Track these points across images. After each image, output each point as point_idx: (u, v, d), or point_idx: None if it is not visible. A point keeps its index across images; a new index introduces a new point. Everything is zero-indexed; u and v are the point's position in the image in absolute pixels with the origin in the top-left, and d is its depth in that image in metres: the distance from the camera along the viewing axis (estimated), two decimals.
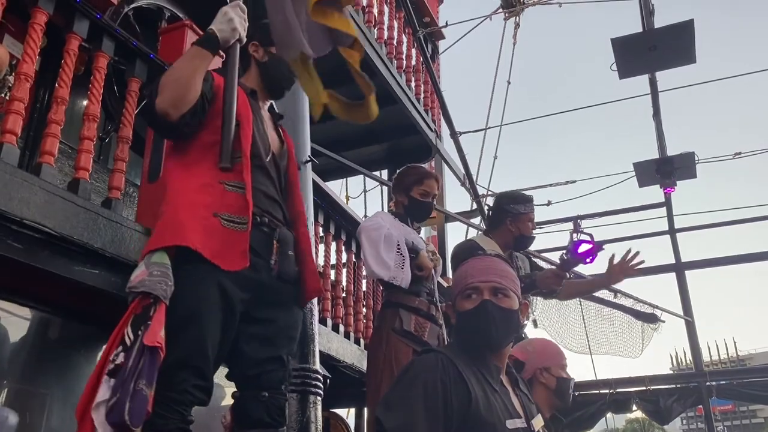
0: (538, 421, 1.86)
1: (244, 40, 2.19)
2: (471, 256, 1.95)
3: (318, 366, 2.77)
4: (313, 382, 2.66)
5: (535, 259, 4.04)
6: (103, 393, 1.67)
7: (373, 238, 2.87)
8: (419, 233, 3.24)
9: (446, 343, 2.91)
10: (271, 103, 2.45)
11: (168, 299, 1.79)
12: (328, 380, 3.02)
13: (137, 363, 1.68)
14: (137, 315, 1.77)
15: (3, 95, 3.21)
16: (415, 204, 3.08)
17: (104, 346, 2.67)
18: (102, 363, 1.74)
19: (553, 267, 3.43)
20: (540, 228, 8.72)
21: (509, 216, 3.31)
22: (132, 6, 3.47)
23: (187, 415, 1.81)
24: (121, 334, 1.75)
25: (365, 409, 4.64)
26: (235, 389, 2.10)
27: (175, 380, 1.77)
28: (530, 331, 5.60)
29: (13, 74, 2.49)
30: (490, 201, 8.59)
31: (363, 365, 3.96)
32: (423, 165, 3.23)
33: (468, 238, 3.53)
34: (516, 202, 3.35)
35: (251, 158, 2.07)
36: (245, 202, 1.96)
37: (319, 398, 2.69)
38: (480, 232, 3.61)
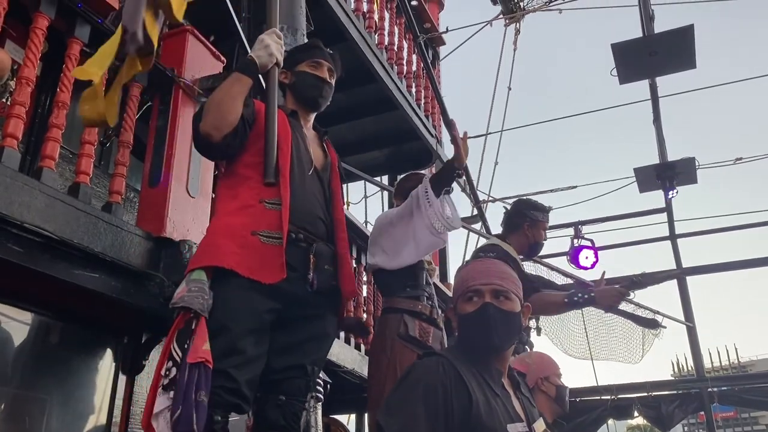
0: (539, 426, 1.85)
1: (281, 63, 2.30)
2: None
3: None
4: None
5: (537, 264, 4.06)
6: (159, 404, 1.82)
7: (400, 212, 2.84)
8: None
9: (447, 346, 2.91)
10: (315, 121, 2.52)
11: (207, 312, 1.93)
12: (328, 385, 3.02)
13: (193, 376, 1.81)
14: (180, 330, 1.91)
15: (4, 100, 3.21)
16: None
17: (108, 350, 2.68)
18: (156, 379, 1.90)
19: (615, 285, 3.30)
20: None
21: (528, 221, 3.32)
22: None
23: (215, 416, 1.88)
24: (169, 350, 1.89)
25: (366, 414, 4.63)
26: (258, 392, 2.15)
27: None
28: (533, 339, 5.58)
29: (15, 79, 2.50)
30: (491, 207, 8.62)
31: (363, 371, 3.96)
32: (424, 170, 3.24)
33: (490, 241, 3.49)
34: (536, 209, 3.37)
35: (292, 175, 2.17)
36: (281, 218, 2.07)
37: (319, 403, 2.69)
38: (493, 236, 3.60)
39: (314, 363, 2.17)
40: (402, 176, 3.24)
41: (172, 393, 1.80)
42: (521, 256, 3.35)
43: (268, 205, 2.10)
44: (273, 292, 2.02)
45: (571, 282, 7.57)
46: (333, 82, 2.46)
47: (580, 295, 2.98)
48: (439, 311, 2.94)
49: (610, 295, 2.99)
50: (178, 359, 1.84)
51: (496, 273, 1.81)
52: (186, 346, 1.86)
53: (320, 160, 2.37)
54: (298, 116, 2.38)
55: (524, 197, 3.60)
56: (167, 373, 1.85)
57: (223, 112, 2.09)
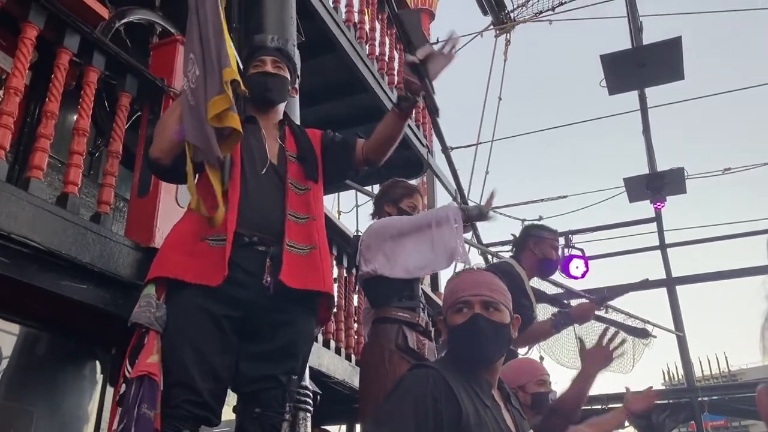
0: None
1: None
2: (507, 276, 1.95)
3: (308, 382, 2.75)
4: (303, 399, 2.64)
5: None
6: (116, 422, 1.86)
7: (414, 223, 2.80)
8: None
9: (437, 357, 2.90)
10: (278, 114, 2.42)
11: (156, 325, 1.95)
12: (318, 396, 3.00)
13: (138, 390, 1.84)
14: (133, 347, 1.95)
15: None
16: (404, 215, 3.08)
17: (95, 361, 2.67)
18: (114, 396, 1.95)
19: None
20: None
21: (533, 239, 3.48)
22: (123, 21, 3.47)
23: (183, 429, 1.89)
24: (123, 368, 1.93)
25: (357, 426, 4.60)
26: (236, 405, 2.15)
27: (169, 398, 1.90)
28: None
29: (3, 88, 2.49)
30: None
31: (354, 381, 3.94)
32: (414, 181, 3.25)
33: (504, 260, 3.67)
34: (540, 229, 3.58)
35: (243, 177, 2.13)
36: (227, 220, 2.05)
37: (308, 414, 2.67)
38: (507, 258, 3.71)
39: (289, 372, 2.11)
40: (387, 182, 3.20)
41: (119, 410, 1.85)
42: (534, 275, 3.56)
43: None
44: (227, 298, 2.00)
45: (562, 291, 7.60)
46: (283, 72, 2.36)
47: (562, 321, 3.36)
48: (429, 319, 2.94)
49: (584, 311, 3.45)
50: (128, 375, 1.89)
51: (485, 284, 1.81)
52: (136, 361, 1.89)
53: (275, 153, 2.28)
54: (255, 120, 2.31)
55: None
56: (121, 390, 1.89)
57: (167, 136, 2.12)
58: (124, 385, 1.88)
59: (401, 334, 2.74)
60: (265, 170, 2.20)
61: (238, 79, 2.02)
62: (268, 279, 2.06)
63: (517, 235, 3.68)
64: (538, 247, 3.45)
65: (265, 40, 2.44)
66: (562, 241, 8.29)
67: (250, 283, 2.04)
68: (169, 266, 2.01)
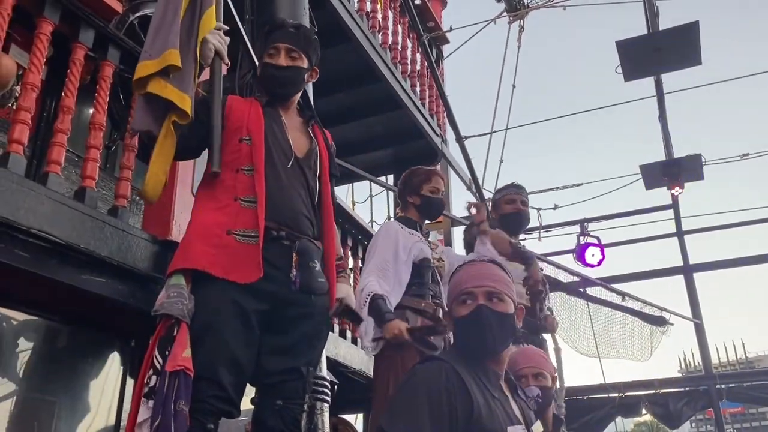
0: (537, 428, 1.85)
1: (223, 52, 2.27)
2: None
3: (325, 372, 2.77)
4: (321, 389, 2.65)
5: (542, 263, 4.08)
6: (142, 414, 1.80)
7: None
8: (428, 237, 3.24)
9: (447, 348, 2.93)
10: (305, 104, 2.43)
11: (188, 318, 1.90)
12: (335, 386, 3.02)
13: (173, 385, 1.80)
14: (162, 337, 1.89)
15: (10, 105, 3.22)
16: (427, 201, 3.10)
17: (115, 353, 2.67)
18: (139, 386, 1.88)
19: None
20: (547, 231, 8.70)
21: (493, 209, 3.61)
22: (137, 15, 3.48)
23: (207, 424, 1.88)
24: (151, 358, 1.88)
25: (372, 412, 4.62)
26: (255, 396, 2.14)
27: (195, 392, 1.87)
28: None
29: (20, 84, 2.51)
30: None
31: (370, 370, 3.95)
32: (437, 170, 3.24)
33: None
34: (496, 193, 3.72)
35: (267, 169, 2.10)
36: (257, 216, 2.02)
37: (326, 405, 2.69)
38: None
39: (308, 363, 2.13)
40: (405, 174, 3.20)
41: (151, 402, 1.79)
42: (510, 236, 3.51)
43: (243, 203, 2.05)
44: (256, 293, 1.98)
45: (578, 279, 7.57)
46: (300, 62, 2.29)
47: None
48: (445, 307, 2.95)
49: (553, 321, 3.47)
50: (158, 367, 1.83)
51: (488, 275, 1.81)
52: (167, 353, 1.84)
53: (303, 148, 2.26)
54: (275, 105, 2.29)
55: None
56: (148, 381, 1.84)
57: None
58: (154, 377, 1.83)
59: (405, 320, 2.77)
60: (290, 164, 2.19)
61: (178, 65, 2.06)
62: (295, 273, 2.07)
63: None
64: (495, 212, 3.58)
65: (280, 21, 2.41)
66: (577, 229, 8.24)
67: (277, 277, 2.04)
68: (196, 257, 1.97)
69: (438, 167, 7.29)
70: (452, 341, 1.88)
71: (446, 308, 2.94)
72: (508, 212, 3.54)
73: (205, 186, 2.15)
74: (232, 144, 2.13)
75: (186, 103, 2.07)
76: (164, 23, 2.09)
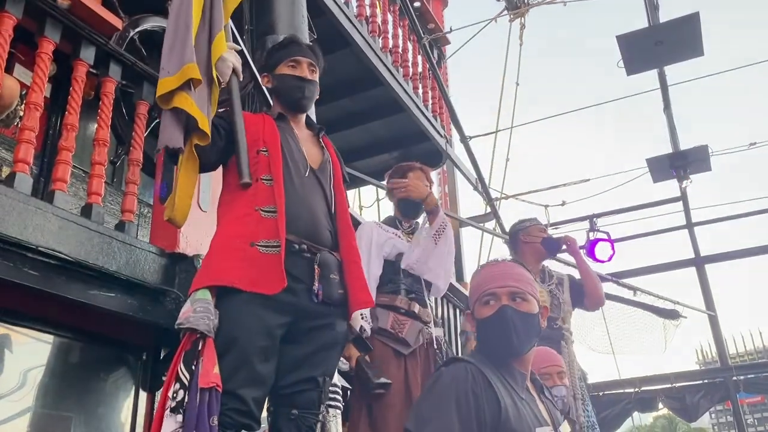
0: (565, 428, 1.84)
1: (239, 69, 2.28)
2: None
3: (337, 378, 2.77)
4: (332, 395, 2.65)
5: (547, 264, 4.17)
6: (167, 426, 1.80)
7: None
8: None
9: (442, 344, 2.96)
10: (308, 117, 2.46)
11: (213, 333, 1.91)
12: (348, 392, 3.02)
13: (205, 401, 1.80)
14: (187, 351, 1.89)
15: (15, 124, 3.25)
16: (403, 203, 3.17)
17: (127, 367, 2.65)
18: (163, 399, 1.88)
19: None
20: (556, 228, 8.67)
21: (521, 233, 3.89)
22: (137, 30, 3.50)
23: None
24: (176, 371, 1.87)
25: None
26: (269, 405, 2.13)
27: None
28: None
29: (23, 104, 2.53)
30: (504, 204, 8.58)
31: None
32: (415, 164, 3.24)
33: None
34: (520, 222, 4.00)
35: (287, 179, 2.13)
36: (278, 226, 2.04)
37: (338, 411, 2.69)
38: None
39: (325, 373, 2.13)
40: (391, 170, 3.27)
41: (179, 416, 1.79)
42: (543, 260, 3.91)
43: (263, 213, 2.06)
44: (280, 305, 1.99)
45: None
46: (316, 77, 2.38)
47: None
48: (428, 303, 3.03)
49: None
50: (186, 381, 1.83)
51: (511, 275, 1.79)
52: (193, 367, 1.84)
53: (317, 159, 2.30)
54: (286, 119, 2.33)
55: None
56: (174, 395, 1.83)
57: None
58: (181, 391, 1.83)
59: (374, 316, 2.86)
60: (307, 174, 2.22)
61: (198, 78, 2.04)
62: (317, 285, 2.07)
63: (509, 241, 4.10)
64: (528, 236, 3.85)
65: (296, 38, 2.45)
66: (586, 225, 8.21)
67: (299, 289, 2.05)
68: (222, 273, 1.98)
69: (445, 172, 7.31)
70: (477, 342, 1.86)
71: (425, 301, 2.98)
72: (544, 237, 3.89)
73: (226, 197, 2.19)
74: (250, 156, 2.15)
75: (205, 124, 2.07)
76: (177, 39, 2.08)
